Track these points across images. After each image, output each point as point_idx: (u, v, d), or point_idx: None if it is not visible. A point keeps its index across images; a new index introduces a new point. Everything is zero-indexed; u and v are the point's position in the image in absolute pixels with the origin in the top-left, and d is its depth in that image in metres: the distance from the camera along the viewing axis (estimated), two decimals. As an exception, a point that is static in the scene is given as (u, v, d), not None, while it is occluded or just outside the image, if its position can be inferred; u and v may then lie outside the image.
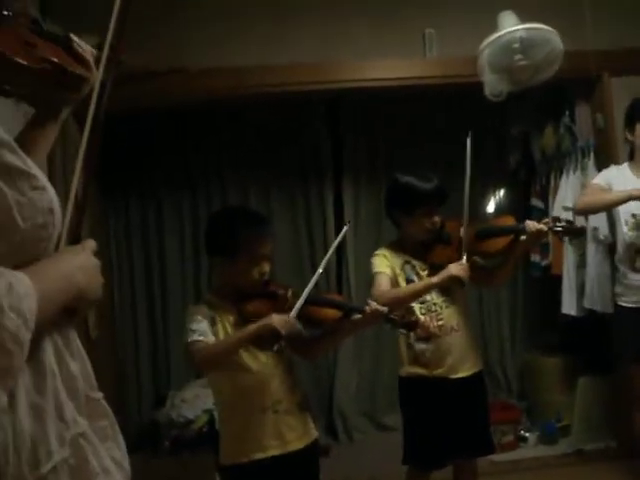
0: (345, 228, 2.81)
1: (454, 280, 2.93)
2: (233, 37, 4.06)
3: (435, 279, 2.97)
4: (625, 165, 3.75)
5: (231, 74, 4.01)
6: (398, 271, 3.10)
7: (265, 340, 2.42)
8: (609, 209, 3.86)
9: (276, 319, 2.38)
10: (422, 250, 3.13)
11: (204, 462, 3.80)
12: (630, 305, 3.69)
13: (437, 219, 3.06)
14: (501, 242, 3.07)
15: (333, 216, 5.62)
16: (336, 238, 2.86)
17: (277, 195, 5.58)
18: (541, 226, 2.96)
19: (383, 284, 3.04)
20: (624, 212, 3.67)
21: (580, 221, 4.46)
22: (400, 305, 2.95)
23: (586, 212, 4.04)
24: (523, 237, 3.00)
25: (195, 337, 2.42)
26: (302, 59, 4.08)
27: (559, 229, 3.00)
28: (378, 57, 4.16)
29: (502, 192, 5.91)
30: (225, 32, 4.06)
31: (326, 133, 5.62)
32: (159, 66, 3.83)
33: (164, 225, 5.48)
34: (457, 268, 2.92)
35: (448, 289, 3.06)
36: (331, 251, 2.76)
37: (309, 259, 5.57)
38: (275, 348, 2.43)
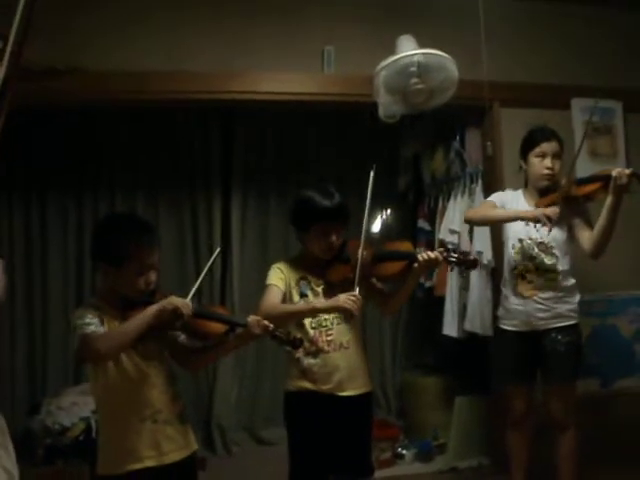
0: (217, 252, 2.77)
1: (340, 311, 2.93)
2: (135, 41, 3.98)
3: (320, 305, 2.98)
4: (520, 192, 3.86)
5: (130, 78, 3.92)
6: (293, 285, 3.08)
7: (165, 321, 2.41)
8: (495, 224, 3.98)
9: (176, 299, 2.39)
10: (320, 267, 3.11)
11: (79, 472, 3.69)
12: (510, 328, 3.77)
13: (334, 238, 3.04)
14: (395, 267, 3.08)
15: (220, 226, 5.58)
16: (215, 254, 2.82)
17: (165, 202, 5.51)
18: (435, 254, 2.99)
19: (271, 297, 3.01)
20: (512, 236, 3.76)
21: (465, 244, 4.58)
22: (281, 321, 2.91)
23: (473, 221, 4.13)
24: (416, 264, 3.02)
25: (92, 328, 2.37)
26: (202, 68, 4.03)
27: (453, 260, 3.03)
28: (277, 70, 4.15)
29: (390, 213, 5.99)
30: (128, 36, 3.98)
31: (219, 142, 5.58)
32: (58, 64, 3.73)
33: (48, 228, 5.30)
34: (345, 299, 2.88)
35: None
36: (202, 275, 2.71)
37: (194, 267, 5.50)
38: (178, 325, 2.44)
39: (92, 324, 2.38)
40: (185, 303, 2.43)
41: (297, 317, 3.02)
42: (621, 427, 4.57)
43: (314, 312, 3.00)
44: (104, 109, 4.80)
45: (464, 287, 4.74)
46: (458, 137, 5.02)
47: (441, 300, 5.00)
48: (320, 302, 3.01)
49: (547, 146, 3.68)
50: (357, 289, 2.92)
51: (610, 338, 4.69)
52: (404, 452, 4.87)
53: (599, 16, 4.81)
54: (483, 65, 3.94)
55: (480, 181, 4.70)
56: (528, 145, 3.76)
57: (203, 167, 5.56)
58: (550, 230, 3.54)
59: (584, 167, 4.37)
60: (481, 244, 4.44)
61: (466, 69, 3.55)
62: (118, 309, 2.51)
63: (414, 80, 3.41)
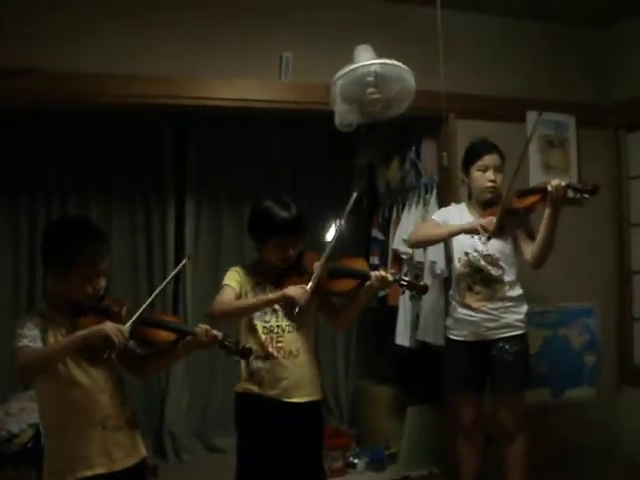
0: (183, 261, 2.75)
1: (287, 299, 2.96)
2: (94, 44, 3.92)
3: (271, 295, 3.02)
4: (463, 205, 3.91)
5: (88, 80, 3.86)
6: (249, 289, 3.10)
7: (95, 348, 2.36)
8: (440, 241, 4.00)
9: (109, 326, 2.32)
10: (276, 276, 3.12)
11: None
12: (459, 338, 3.81)
13: (292, 252, 3.08)
14: (349, 284, 3.12)
15: (173, 232, 5.53)
16: (177, 265, 2.80)
17: (118, 208, 5.44)
18: (387, 275, 3.02)
19: (225, 296, 3.04)
20: (458, 249, 3.81)
21: (419, 255, 4.60)
22: (235, 316, 3.02)
23: (418, 245, 4.20)
24: (368, 283, 3.05)
25: (25, 342, 2.32)
26: (160, 72, 3.99)
27: (404, 283, 3.08)
28: (235, 77, 4.13)
29: (344, 222, 5.98)
30: (87, 38, 3.91)
31: (173, 148, 5.54)
32: (12, 66, 3.68)
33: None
34: (295, 289, 2.95)
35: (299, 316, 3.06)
36: (166, 282, 2.68)
37: (146, 273, 5.46)
38: (105, 356, 2.39)
39: (27, 337, 2.33)
40: (118, 330, 2.33)
41: (250, 311, 3.04)
42: (570, 436, 4.65)
43: (266, 303, 3.03)
44: (58, 111, 4.74)
45: (417, 297, 4.75)
46: (414, 147, 5.03)
47: (394, 310, 5.01)
48: (266, 295, 3.05)
49: (489, 159, 3.73)
50: (310, 284, 2.97)
51: (561, 349, 4.76)
52: (356, 461, 4.88)
53: (557, 32, 4.90)
54: (440, 76, 3.97)
55: (435, 191, 4.72)
56: (470, 158, 3.81)
57: (157, 172, 5.51)
58: (489, 239, 3.59)
59: (538, 179, 4.46)
60: (434, 254, 4.45)
61: (423, 80, 3.57)
62: (65, 314, 2.48)
63: (371, 90, 3.43)
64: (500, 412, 3.75)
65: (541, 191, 3.49)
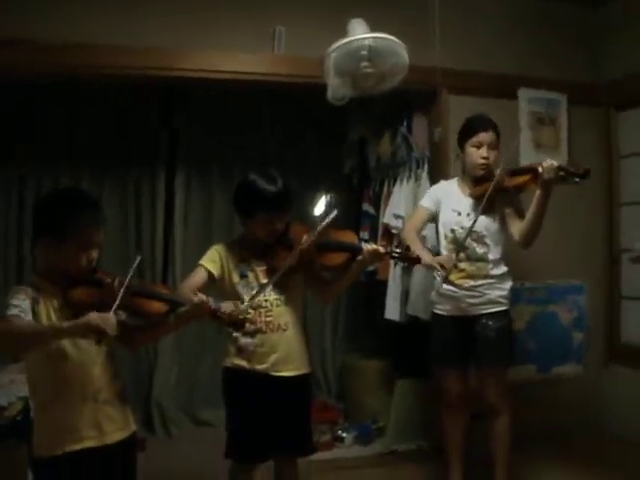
0: (138, 259, 2.72)
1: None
2: (86, 14, 3.88)
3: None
4: (454, 180, 3.91)
5: (80, 51, 3.82)
6: (232, 267, 3.09)
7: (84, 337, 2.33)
8: None
9: (95, 317, 2.20)
10: (262, 250, 3.12)
11: (16, 453, 3.60)
12: (444, 313, 3.83)
13: (278, 226, 3.07)
14: (339, 257, 3.10)
15: (163, 207, 5.52)
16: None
17: (109, 180, 5.42)
18: (379, 248, 3.02)
19: (195, 278, 3.06)
20: (444, 226, 3.82)
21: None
22: None
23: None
24: (360, 257, 3.05)
25: (15, 312, 2.27)
26: (152, 44, 3.95)
27: (396, 255, 3.09)
28: (228, 49, 4.10)
29: (334, 195, 5.97)
30: (79, 9, 3.88)
31: (164, 121, 5.51)
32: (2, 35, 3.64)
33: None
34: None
35: (284, 287, 3.07)
36: (128, 277, 2.63)
37: (135, 246, 5.45)
38: (98, 343, 2.31)
39: (18, 307, 2.28)
40: (106, 319, 2.22)
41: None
42: (555, 412, 4.69)
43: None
44: (50, 83, 4.67)
45: (406, 272, 4.76)
46: (405, 122, 5.01)
47: (384, 284, 5.01)
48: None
49: (484, 136, 3.70)
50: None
51: (550, 325, 4.80)
52: (344, 435, 4.89)
53: (551, 9, 4.88)
54: (432, 51, 3.97)
55: (426, 166, 4.72)
56: (466, 134, 3.79)
57: (148, 145, 5.49)
58: (444, 279, 3.62)
59: (528, 157, 4.48)
60: (425, 229, 4.45)
61: (415, 54, 3.55)
62: (57, 286, 2.44)
63: (364, 64, 3.42)
64: (484, 387, 3.78)
65: (532, 171, 3.50)
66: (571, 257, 4.86)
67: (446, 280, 3.63)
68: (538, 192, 3.48)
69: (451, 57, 4.29)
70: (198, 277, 3.05)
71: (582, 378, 4.92)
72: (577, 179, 3.35)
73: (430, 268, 3.67)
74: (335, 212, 3.03)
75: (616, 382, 4.93)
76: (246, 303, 2.90)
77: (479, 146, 3.70)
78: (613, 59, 4.91)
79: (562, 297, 4.85)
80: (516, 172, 3.64)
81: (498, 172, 3.59)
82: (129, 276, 2.47)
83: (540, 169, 3.40)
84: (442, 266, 3.58)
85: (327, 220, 3.00)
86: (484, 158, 3.69)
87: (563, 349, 4.86)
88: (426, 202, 3.94)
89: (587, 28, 5.00)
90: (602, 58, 4.99)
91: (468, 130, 3.78)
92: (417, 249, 3.67)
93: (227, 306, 2.80)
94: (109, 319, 2.23)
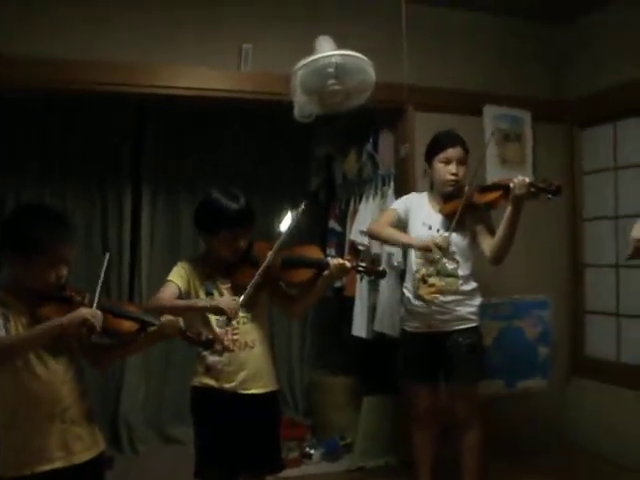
0: (106, 257, 2.71)
1: (218, 311, 2.93)
2: (54, 29, 3.87)
3: (202, 303, 3.00)
4: (425, 194, 3.91)
5: (47, 66, 3.80)
6: (198, 284, 3.07)
7: (73, 334, 2.33)
8: (388, 244, 4.05)
9: (85, 311, 2.27)
10: (226, 267, 3.10)
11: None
12: (412, 330, 3.83)
13: (242, 244, 3.06)
14: (305, 273, 3.11)
15: (130, 223, 5.47)
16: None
17: (73, 195, 5.35)
18: (345, 262, 3.04)
19: (166, 292, 3.01)
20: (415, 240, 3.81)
21: (376, 247, 4.62)
22: (170, 314, 2.85)
23: (372, 238, 4.25)
24: (326, 272, 3.06)
25: None
26: (119, 59, 3.94)
27: (362, 269, 3.11)
28: (195, 66, 4.10)
29: (300, 212, 5.97)
30: (47, 24, 3.86)
31: (131, 136, 5.48)
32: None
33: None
34: (227, 302, 2.92)
35: (250, 305, 3.05)
36: (100, 282, 2.62)
37: (101, 262, 5.35)
38: (89, 338, 2.37)
39: None
40: (95, 314, 2.30)
41: (180, 313, 2.92)
42: (520, 425, 4.73)
43: (198, 310, 3.01)
44: (15, 96, 4.62)
45: (374, 288, 4.77)
46: (371, 139, 5.05)
47: (351, 300, 5.02)
48: (201, 301, 3.02)
49: (452, 152, 3.71)
50: (242, 297, 2.93)
51: (516, 340, 4.84)
52: (312, 452, 4.89)
53: (518, 27, 4.97)
54: (399, 68, 4.00)
55: (392, 183, 4.74)
56: (433, 150, 3.79)
57: (114, 161, 5.44)
58: (444, 255, 3.63)
59: (494, 173, 4.50)
60: (391, 246, 4.47)
61: (382, 71, 3.56)
62: (25, 303, 2.40)
63: (331, 81, 3.43)
64: (455, 403, 3.79)
65: (503, 187, 3.50)
66: (535, 272, 4.91)
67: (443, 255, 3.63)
68: (509, 209, 3.47)
69: (417, 74, 4.31)
70: (170, 292, 3.01)
71: (547, 392, 4.96)
72: (549, 195, 3.33)
73: (426, 250, 3.65)
74: (294, 217, 3.07)
75: (580, 395, 4.98)
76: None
77: (447, 162, 3.71)
78: (577, 77, 4.99)
79: (527, 312, 4.89)
80: (486, 188, 3.65)
81: (467, 189, 3.61)
82: (100, 281, 2.49)
83: (512, 185, 3.39)
84: (439, 247, 3.58)
85: (288, 229, 3.03)
86: (453, 174, 3.70)
87: (529, 364, 4.90)
88: (398, 206, 3.94)
89: (552, 46, 5.08)
90: (566, 76, 5.07)
91: (436, 146, 3.79)
92: (403, 237, 3.76)
93: (226, 301, 2.89)
94: (98, 315, 2.29)
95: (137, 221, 5.51)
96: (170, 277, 3.06)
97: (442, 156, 3.72)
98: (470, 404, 3.77)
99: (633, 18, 4.48)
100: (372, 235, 4.09)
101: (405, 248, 3.88)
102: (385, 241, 4.08)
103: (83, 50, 3.90)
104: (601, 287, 4.92)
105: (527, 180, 3.38)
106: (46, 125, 5.25)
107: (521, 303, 4.87)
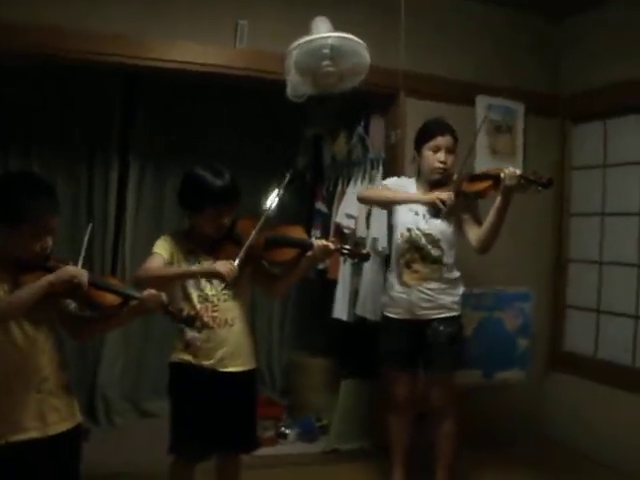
0: (89, 227, 2.70)
1: (215, 275, 2.92)
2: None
3: (195, 268, 2.98)
4: (413, 180, 3.92)
5: (37, 33, 3.72)
6: (181, 258, 3.05)
7: (60, 291, 2.34)
8: (389, 204, 3.97)
9: (72, 268, 2.31)
10: (210, 244, 3.08)
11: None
12: (394, 316, 3.84)
13: (226, 221, 3.04)
14: (289, 253, 3.11)
15: (116, 195, 5.44)
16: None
17: (61, 168, 5.29)
18: (329, 244, 3.05)
19: (154, 263, 2.98)
20: (401, 225, 3.82)
21: (362, 231, 4.61)
22: (160, 282, 2.90)
23: (368, 201, 4.22)
24: (310, 252, 3.06)
25: None
26: (113, 31, 3.88)
27: (345, 252, 3.13)
28: (189, 40, 4.05)
29: (285, 192, 5.95)
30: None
31: (120, 109, 5.44)
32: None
33: None
34: (224, 265, 2.90)
35: (234, 283, 3.03)
36: (83, 250, 2.61)
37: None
38: (76, 294, 2.38)
39: None
40: (82, 272, 2.34)
41: (174, 279, 3.00)
42: (498, 416, 4.76)
43: (189, 275, 2.99)
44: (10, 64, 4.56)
45: (357, 272, 4.77)
46: (362, 122, 5.03)
47: (333, 283, 5.03)
48: (197, 267, 3.00)
49: (442, 140, 3.71)
50: (237, 260, 2.93)
51: (495, 331, 4.86)
52: (287, 431, 4.91)
53: (516, 19, 4.95)
54: (394, 53, 4.00)
55: (381, 168, 4.73)
56: (423, 137, 3.79)
57: (103, 132, 5.39)
58: (445, 216, 3.63)
59: (484, 163, 4.50)
60: (377, 231, 4.48)
61: (377, 55, 3.56)
62: (8, 271, 2.39)
63: (326, 62, 3.42)
64: (432, 391, 3.81)
65: (494, 177, 3.50)
66: (519, 264, 4.93)
67: (445, 215, 3.64)
68: (498, 199, 3.48)
69: (412, 60, 4.29)
70: (157, 263, 2.98)
71: (525, 384, 4.99)
72: (540, 188, 3.34)
73: (431, 206, 3.65)
74: (279, 191, 3.10)
75: (558, 389, 5.02)
76: None
77: (436, 150, 3.71)
78: (572, 72, 4.99)
79: (508, 304, 4.92)
80: (476, 178, 3.65)
81: (456, 177, 3.62)
82: (83, 248, 2.53)
83: (502, 175, 3.39)
84: (443, 202, 3.57)
85: (272, 204, 3.05)
86: (442, 162, 3.70)
87: (507, 355, 4.93)
88: (389, 183, 3.95)
89: (548, 40, 5.07)
90: (561, 71, 5.07)
91: (426, 134, 3.79)
92: (406, 196, 3.78)
93: (222, 264, 2.89)
94: (84, 273, 2.34)
95: (123, 193, 5.47)
96: (155, 249, 3.04)
97: (431, 144, 3.72)
98: (447, 393, 3.80)
99: (629, 17, 4.49)
100: (369, 197, 4.09)
101: (407, 203, 3.83)
102: (386, 202, 3.98)
103: (80, 20, 3.83)
104: (583, 283, 4.95)
105: (518, 172, 3.38)
106: (34, 94, 5.17)
107: (503, 294, 4.89)
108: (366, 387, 4.81)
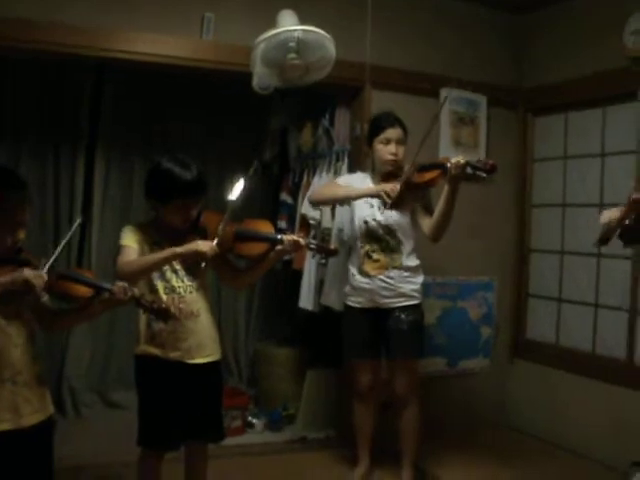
0: (77, 221, 2.70)
1: (199, 255, 2.92)
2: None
3: (180, 249, 2.93)
4: (367, 174, 3.98)
5: (10, 24, 3.69)
6: (147, 249, 3.03)
7: (15, 293, 2.31)
8: (338, 202, 4.12)
9: (28, 272, 2.26)
10: (175, 236, 3.06)
11: None
12: (356, 305, 3.90)
13: (193, 213, 3.04)
14: (258, 247, 3.14)
15: (82, 187, 5.40)
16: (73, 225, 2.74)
17: (27, 157, 5.24)
18: (298, 240, 3.09)
19: (131, 256, 2.97)
20: (358, 218, 3.88)
21: (327, 221, 4.65)
22: (145, 273, 2.94)
23: (317, 203, 4.30)
24: (279, 247, 3.10)
25: None
26: (77, 21, 3.85)
27: (313, 247, 3.21)
28: (154, 31, 4.03)
29: (251, 183, 5.96)
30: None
31: (88, 99, 5.39)
32: None
33: None
34: (205, 245, 2.92)
35: (195, 273, 3.07)
36: (62, 244, 2.61)
37: (53, 226, 5.32)
38: (30, 298, 2.36)
39: None
40: (38, 275, 2.29)
41: (160, 265, 2.98)
42: (461, 404, 4.84)
43: (174, 257, 2.96)
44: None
45: (322, 262, 4.80)
46: (327, 115, 5.06)
47: (298, 273, 5.05)
48: (178, 248, 2.94)
49: (392, 132, 3.79)
50: (216, 240, 2.96)
51: (459, 320, 4.93)
52: (254, 421, 4.94)
53: (480, 13, 5.00)
54: (359, 46, 4.02)
55: (346, 160, 4.76)
56: (373, 131, 3.87)
57: (70, 125, 5.36)
58: (390, 207, 3.68)
59: (447, 154, 4.52)
60: (341, 221, 4.50)
61: (342, 49, 3.58)
62: None
63: (292, 55, 3.44)
64: (394, 379, 3.88)
65: (441, 167, 3.56)
66: (482, 254, 5.00)
67: (390, 206, 3.68)
68: (446, 188, 3.56)
69: (376, 53, 4.30)
70: (132, 255, 2.96)
71: (489, 372, 5.07)
72: (484, 174, 3.44)
73: (376, 197, 3.72)
74: (246, 181, 3.11)
75: (520, 377, 5.11)
76: None
77: (387, 142, 3.79)
78: (534, 66, 5.05)
79: (472, 293, 4.99)
80: (425, 168, 3.68)
81: (407, 168, 3.67)
82: (62, 243, 2.51)
83: (448, 165, 3.46)
84: (387, 194, 3.63)
85: (237, 194, 3.07)
86: (392, 154, 3.77)
87: (471, 344, 5.01)
88: (340, 181, 4.04)
89: (511, 33, 5.12)
90: (523, 64, 5.13)
91: (375, 127, 3.87)
92: (351, 190, 3.84)
93: (204, 243, 2.91)
94: (42, 276, 2.28)
95: (90, 185, 5.44)
96: (125, 242, 3.01)
97: (382, 137, 3.80)
98: (409, 380, 3.86)
99: (592, 12, 4.55)
100: (317, 199, 4.17)
101: (355, 199, 3.89)
102: (332, 200, 4.13)
103: (48, 12, 3.79)
104: (545, 272, 5.03)
105: (462, 160, 3.45)
106: (1, 86, 5.14)
107: (467, 284, 4.96)
108: (332, 376, 4.86)
